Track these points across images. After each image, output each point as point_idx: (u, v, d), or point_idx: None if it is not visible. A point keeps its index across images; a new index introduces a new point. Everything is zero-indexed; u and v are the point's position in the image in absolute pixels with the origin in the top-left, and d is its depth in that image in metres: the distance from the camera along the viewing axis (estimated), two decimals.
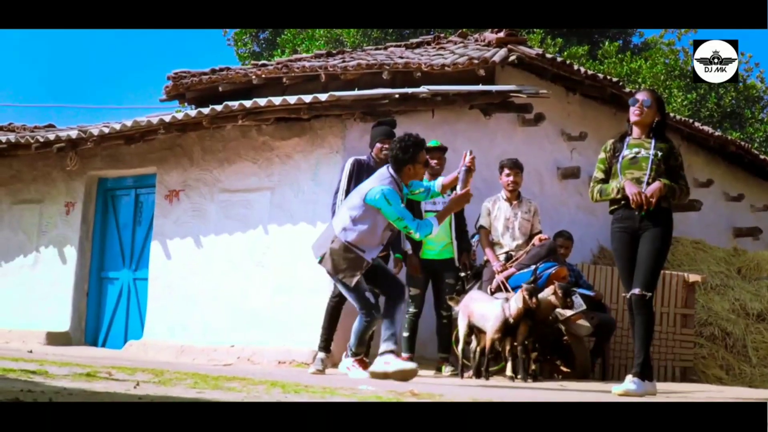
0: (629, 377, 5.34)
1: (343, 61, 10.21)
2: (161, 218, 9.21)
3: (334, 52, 12.01)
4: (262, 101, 7.85)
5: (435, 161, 7.40)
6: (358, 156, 7.01)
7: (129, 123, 8.88)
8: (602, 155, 5.69)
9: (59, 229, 10.14)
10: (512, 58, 9.04)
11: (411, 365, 5.84)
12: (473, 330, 6.72)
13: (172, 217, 9.12)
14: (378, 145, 6.84)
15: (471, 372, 6.73)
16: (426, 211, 7.06)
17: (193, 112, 8.52)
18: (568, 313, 6.88)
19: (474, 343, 6.79)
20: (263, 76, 10.36)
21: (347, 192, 6.52)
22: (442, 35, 12.13)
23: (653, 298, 5.48)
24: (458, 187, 5.92)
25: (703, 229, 11.50)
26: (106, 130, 9.00)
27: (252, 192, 8.52)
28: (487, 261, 7.35)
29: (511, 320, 6.39)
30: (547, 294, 6.56)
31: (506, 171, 7.45)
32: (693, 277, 8.44)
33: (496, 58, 8.78)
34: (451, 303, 7.01)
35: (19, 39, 45.54)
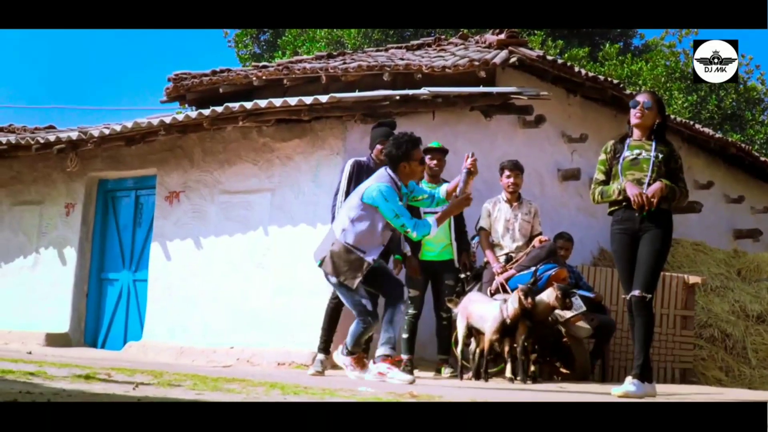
0: (629, 379, 5.34)
1: (344, 63, 10.21)
2: (161, 219, 9.20)
3: (335, 53, 12.00)
4: (262, 103, 7.85)
5: (435, 163, 7.40)
6: (358, 157, 7.00)
7: (129, 124, 8.88)
8: (602, 157, 5.69)
9: (59, 230, 10.13)
10: (513, 59, 9.04)
11: (408, 378, 5.81)
12: (472, 331, 6.72)
13: (172, 218, 9.11)
14: (378, 146, 6.83)
15: (470, 373, 6.73)
16: (425, 213, 7.04)
17: (193, 114, 8.53)
18: (568, 314, 6.88)
19: (473, 345, 6.78)
20: (264, 77, 10.36)
21: (347, 193, 6.51)
22: (443, 37, 12.13)
23: (653, 300, 5.48)
24: (458, 189, 5.91)
25: (703, 230, 11.49)
26: (107, 132, 9.00)
27: (252, 193, 8.52)
28: (487, 262, 7.35)
29: (508, 321, 6.39)
30: (546, 295, 6.55)
31: (507, 172, 7.45)
32: (693, 279, 8.44)
33: (497, 60, 8.79)
34: (450, 305, 7.01)
35: (19, 39, 45.58)
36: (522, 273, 7.02)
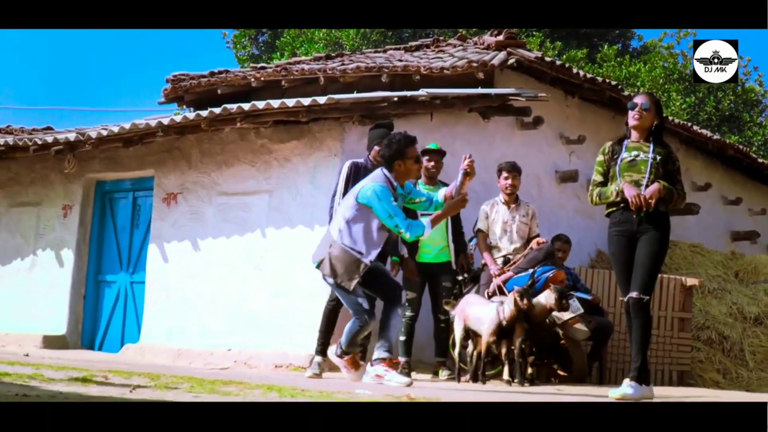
0: (626, 381, 5.34)
1: (342, 64, 10.21)
2: (159, 221, 9.19)
3: (333, 54, 12.00)
4: (260, 104, 7.84)
5: (432, 164, 7.39)
6: (356, 159, 7.00)
7: (127, 126, 8.87)
8: (600, 158, 5.68)
9: (57, 232, 10.12)
10: (511, 61, 9.04)
11: (406, 380, 5.80)
12: (469, 334, 6.71)
13: (169, 220, 9.10)
14: (375, 147, 6.82)
15: (468, 376, 6.72)
16: (421, 215, 7.02)
17: (191, 115, 8.52)
18: (566, 316, 6.87)
19: (470, 347, 6.77)
20: (262, 78, 10.36)
21: (344, 195, 6.50)
22: (441, 38, 12.13)
23: (650, 302, 5.48)
24: (455, 191, 5.90)
25: (700, 232, 11.50)
26: (104, 133, 8.99)
27: (250, 195, 8.51)
28: (485, 264, 7.34)
29: (505, 323, 6.38)
30: (544, 297, 6.55)
31: (504, 174, 7.44)
32: (690, 281, 8.43)
33: (495, 62, 8.78)
34: (447, 307, 7.00)
35: (19, 39, 45.55)
36: (519, 275, 7.01)
